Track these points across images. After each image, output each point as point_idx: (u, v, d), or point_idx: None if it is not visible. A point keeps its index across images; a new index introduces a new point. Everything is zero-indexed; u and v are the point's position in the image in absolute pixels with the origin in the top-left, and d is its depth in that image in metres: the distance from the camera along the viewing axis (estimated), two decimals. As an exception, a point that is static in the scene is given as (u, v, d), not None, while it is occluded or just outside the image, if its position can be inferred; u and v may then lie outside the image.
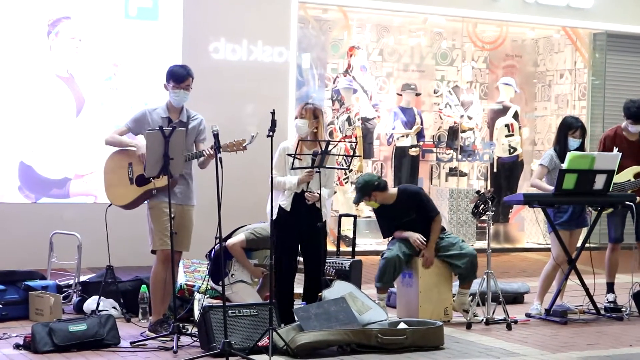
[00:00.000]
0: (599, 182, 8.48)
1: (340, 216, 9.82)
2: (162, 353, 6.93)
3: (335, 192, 10.44)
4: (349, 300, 7.35)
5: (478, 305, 8.22)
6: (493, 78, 15.07)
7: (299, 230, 7.66)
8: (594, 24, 14.00)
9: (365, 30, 14.03)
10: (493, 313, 8.26)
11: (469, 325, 8.12)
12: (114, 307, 8.25)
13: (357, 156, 12.43)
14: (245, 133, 7.59)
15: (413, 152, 13.35)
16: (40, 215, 10.48)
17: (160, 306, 7.49)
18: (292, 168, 7.54)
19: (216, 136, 6.94)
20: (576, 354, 7.22)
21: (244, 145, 7.34)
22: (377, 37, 14.27)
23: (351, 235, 9.70)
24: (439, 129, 14.36)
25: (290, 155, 7.54)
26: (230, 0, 11.41)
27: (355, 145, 12.10)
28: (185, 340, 7.20)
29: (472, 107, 14.08)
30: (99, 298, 8.17)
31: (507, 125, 13.93)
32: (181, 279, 8.35)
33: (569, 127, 8.77)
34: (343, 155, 8.67)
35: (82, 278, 8.80)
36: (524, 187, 13.64)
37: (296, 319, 7.17)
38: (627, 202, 8.64)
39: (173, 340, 6.96)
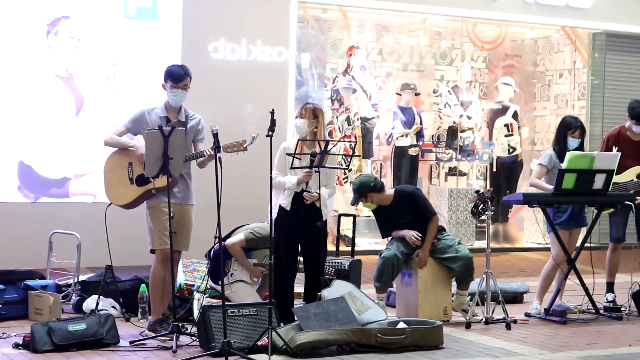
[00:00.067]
0: (599, 181, 8.48)
1: (340, 216, 9.82)
2: (162, 352, 6.93)
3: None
4: (348, 299, 7.35)
5: (477, 304, 8.22)
6: (492, 78, 15.07)
7: (299, 229, 7.67)
8: (594, 24, 14.00)
9: (364, 30, 14.03)
10: (492, 313, 8.26)
11: (468, 325, 8.13)
12: (113, 307, 8.25)
13: (357, 156, 12.43)
14: (244, 133, 7.61)
15: (412, 151, 13.35)
16: (40, 215, 10.48)
17: (159, 306, 7.49)
18: (292, 168, 7.54)
19: (215, 136, 6.94)
20: (575, 353, 7.22)
21: (244, 146, 7.34)
22: (376, 36, 14.27)
23: (350, 235, 9.70)
24: (438, 129, 14.35)
25: (289, 155, 7.54)
26: (230, 0, 11.41)
27: (355, 145, 12.10)
28: (184, 339, 7.20)
29: (471, 107, 14.07)
30: (98, 297, 8.17)
31: (506, 125, 13.93)
32: (180, 278, 8.35)
33: (568, 127, 8.77)
34: (342, 155, 8.66)
35: (82, 277, 8.80)
36: (524, 186, 13.64)
37: (295, 318, 7.17)
38: (626, 202, 8.64)
39: (172, 340, 6.96)
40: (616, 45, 14.26)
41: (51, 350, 6.85)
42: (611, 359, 7.14)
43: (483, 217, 8.54)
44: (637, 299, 8.85)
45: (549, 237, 8.86)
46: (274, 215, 7.69)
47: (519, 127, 14.09)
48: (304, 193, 7.61)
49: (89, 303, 8.25)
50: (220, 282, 7.17)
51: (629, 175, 8.99)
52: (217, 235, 6.95)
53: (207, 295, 8.23)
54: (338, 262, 8.81)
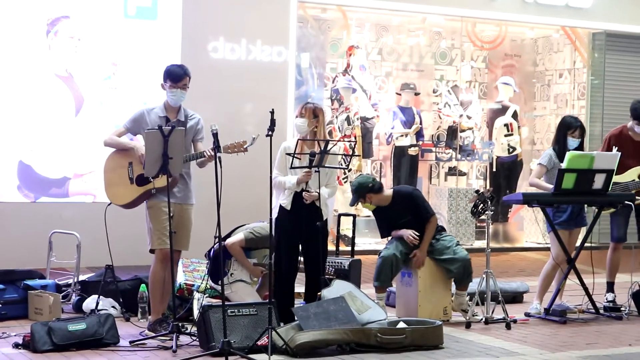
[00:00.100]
0: (598, 181, 8.49)
1: (340, 216, 9.82)
2: (162, 352, 6.93)
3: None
4: (348, 299, 7.35)
5: (477, 304, 8.22)
6: (492, 77, 15.06)
7: (299, 229, 7.67)
8: (593, 24, 14.00)
9: (364, 30, 14.03)
10: (492, 312, 8.26)
11: (468, 325, 8.13)
12: (113, 307, 8.25)
13: (356, 155, 12.43)
14: (244, 132, 7.62)
15: (412, 151, 13.35)
16: (40, 215, 10.48)
17: (159, 305, 7.49)
18: (291, 167, 7.54)
19: (215, 135, 6.94)
20: (575, 353, 7.22)
21: (245, 146, 7.35)
22: (376, 36, 14.27)
23: (350, 235, 9.70)
24: (438, 129, 14.35)
25: (289, 154, 7.55)
26: (229, 0, 11.42)
27: (355, 145, 12.09)
28: (184, 339, 7.19)
29: (471, 107, 14.07)
30: (98, 297, 8.16)
31: (506, 125, 13.93)
32: (180, 278, 8.35)
33: (568, 127, 8.77)
34: (342, 154, 8.67)
35: (82, 277, 8.80)
36: (523, 186, 13.64)
37: (295, 318, 7.17)
38: (626, 202, 8.64)
39: (172, 340, 6.96)
40: (616, 45, 14.26)
41: (51, 350, 6.85)
42: (611, 358, 7.14)
43: (483, 217, 8.54)
44: (637, 298, 8.85)
45: (548, 236, 8.87)
46: (275, 215, 7.71)
47: (519, 127, 14.09)
48: (303, 193, 7.61)
49: (89, 303, 8.25)
50: (220, 282, 7.16)
51: (630, 175, 8.99)
52: (217, 235, 6.96)
53: (207, 295, 8.23)
54: (338, 262, 8.80)
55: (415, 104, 13.79)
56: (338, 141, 8.68)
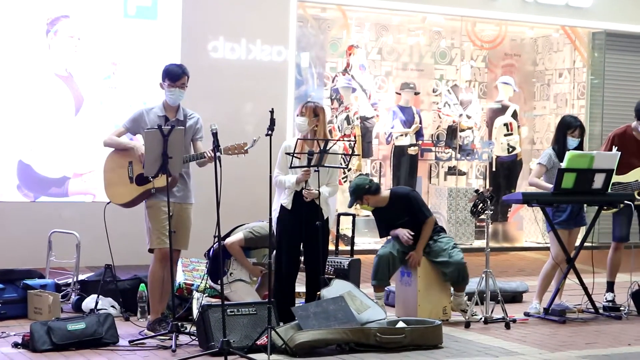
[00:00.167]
0: (598, 181, 8.49)
1: (339, 215, 9.82)
2: (161, 352, 6.93)
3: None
4: (347, 299, 7.35)
5: (477, 304, 8.22)
6: (492, 77, 15.06)
7: (300, 228, 7.67)
8: (593, 23, 14.01)
9: (364, 29, 14.03)
10: (492, 312, 8.26)
11: (467, 324, 8.13)
12: (112, 306, 8.25)
13: (356, 155, 12.43)
14: (244, 132, 7.62)
15: (412, 151, 13.35)
16: (39, 214, 10.48)
17: (158, 305, 7.49)
18: (291, 167, 7.55)
19: (215, 135, 6.94)
20: (575, 353, 7.21)
21: (245, 148, 7.36)
22: (376, 36, 14.27)
23: (350, 234, 9.70)
24: (437, 128, 14.35)
25: (288, 154, 7.55)
26: (229, -1, 11.44)
27: (354, 144, 12.09)
28: (183, 339, 7.19)
29: (471, 106, 14.07)
30: (98, 297, 8.16)
31: (506, 124, 13.93)
32: (180, 277, 8.35)
33: (568, 126, 8.77)
34: (342, 154, 8.67)
35: (81, 277, 8.79)
36: (523, 186, 13.64)
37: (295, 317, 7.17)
38: (626, 202, 8.64)
39: (172, 339, 6.96)
40: (616, 44, 14.26)
41: (50, 349, 6.85)
42: (610, 358, 7.14)
43: (482, 217, 8.54)
44: (637, 298, 8.85)
45: (548, 236, 8.86)
46: (277, 215, 7.72)
47: (519, 127, 14.10)
48: (303, 190, 7.62)
49: (88, 302, 8.25)
50: (219, 282, 7.17)
51: (634, 175, 8.99)
52: (217, 234, 6.96)
53: (206, 294, 8.22)
54: (337, 262, 8.80)
55: (415, 104, 13.79)
56: (337, 140, 8.67)
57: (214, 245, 7.95)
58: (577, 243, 8.95)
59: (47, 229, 9.16)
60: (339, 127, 12.88)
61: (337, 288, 7.52)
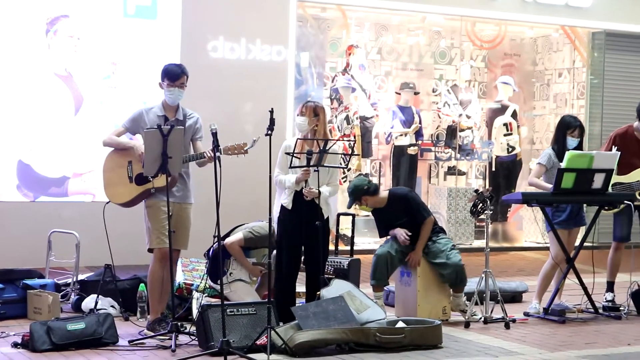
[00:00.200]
0: (598, 181, 8.49)
1: (339, 215, 9.81)
2: (161, 352, 6.92)
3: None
4: (347, 299, 7.35)
5: (476, 304, 8.22)
6: (492, 77, 15.07)
7: (300, 228, 7.66)
8: (593, 23, 14.01)
9: (363, 29, 14.03)
10: (491, 312, 8.26)
11: (467, 324, 8.13)
12: (112, 306, 8.25)
13: (356, 155, 12.43)
14: (243, 131, 7.62)
15: (411, 151, 13.35)
16: (39, 214, 10.48)
17: (158, 305, 7.49)
18: (290, 167, 7.55)
19: (214, 135, 6.94)
20: (574, 352, 7.21)
21: (245, 149, 7.36)
22: (375, 35, 14.27)
23: (350, 234, 9.69)
24: (437, 128, 14.36)
25: (287, 154, 7.55)
26: (229, -1, 11.44)
27: (354, 144, 12.09)
28: (183, 338, 7.19)
29: (470, 106, 14.07)
30: (97, 297, 8.16)
31: (505, 124, 13.93)
32: (180, 277, 8.35)
33: (568, 126, 8.77)
34: (341, 154, 8.67)
35: (81, 277, 8.79)
36: (523, 186, 13.64)
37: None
38: (625, 201, 8.64)
39: (171, 339, 6.96)
40: (615, 44, 14.27)
41: (50, 349, 6.85)
42: (610, 358, 7.14)
43: (482, 217, 8.53)
44: (636, 298, 8.85)
45: (547, 236, 8.86)
46: (278, 215, 7.72)
47: (518, 126, 14.10)
48: (303, 189, 7.62)
49: (88, 302, 8.25)
50: (219, 281, 7.16)
51: (636, 175, 8.98)
52: (216, 234, 6.96)
53: (206, 294, 8.22)
54: (337, 262, 8.80)
55: (415, 104, 13.79)
56: (337, 140, 8.67)
57: (214, 245, 7.95)
58: (577, 243, 8.95)
59: (46, 229, 9.16)
60: (338, 127, 12.87)
61: (336, 288, 7.52)
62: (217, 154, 6.93)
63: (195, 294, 8.07)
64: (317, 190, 7.55)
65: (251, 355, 6.62)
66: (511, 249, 13.73)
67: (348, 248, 9.50)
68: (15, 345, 6.98)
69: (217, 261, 7.65)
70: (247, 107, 11.41)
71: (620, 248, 9.14)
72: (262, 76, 11.53)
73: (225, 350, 6.55)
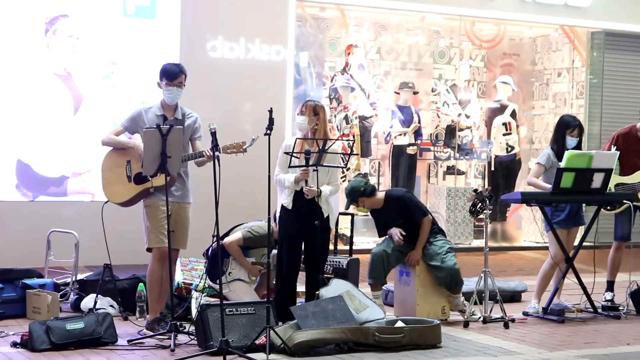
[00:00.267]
0: (597, 180, 8.48)
1: (338, 215, 9.81)
2: (160, 351, 6.92)
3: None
4: (346, 298, 7.35)
5: (475, 303, 8.22)
6: (491, 76, 15.07)
7: (300, 228, 7.66)
8: (592, 23, 14.01)
9: (363, 29, 14.03)
10: (490, 311, 8.26)
11: (466, 324, 8.13)
12: (111, 306, 8.24)
13: (355, 154, 12.43)
14: (242, 131, 7.61)
15: (410, 150, 13.35)
16: (38, 214, 10.48)
17: (157, 304, 7.49)
18: (290, 167, 7.55)
19: (213, 134, 6.94)
20: (574, 352, 7.21)
21: (244, 147, 7.36)
22: (374, 35, 14.27)
23: (349, 234, 9.70)
24: (436, 128, 14.35)
25: (287, 153, 7.55)
26: (228, -2, 11.43)
27: (353, 144, 12.09)
28: (182, 338, 7.19)
29: (469, 106, 14.07)
30: (97, 296, 8.16)
31: (504, 124, 13.94)
32: (179, 277, 8.35)
33: (567, 126, 8.76)
34: (341, 153, 8.68)
35: (80, 276, 8.79)
36: (522, 185, 13.64)
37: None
38: (625, 201, 8.65)
39: (170, 339, 6.96)
40: (615, 44, 14.27)
41: (49, 349, 6.84)
42: (609, 358, 7.14)
43: (481, 216, 8.53)
44: (635, 298, 8.85)
45: (547, 236, 8.86)
46: (279, 215, 7.71)
47: (517, 126, 14.10)
48: (304, 188, 7.62)
49: (87, 302, 8.25)
50: (218, 281, 7.16)
51: (639, 176, 8.98)
52: (215, 233, 6.95)
53: (205, 294, 8.22)
54: (336, 261, 8.80)
55: (414, 103, 13.79)
56: (336, 140, 8.67)
57: (213, 245, 7.95)
58: (576, 242, 8.95)
59: (45, 229, 9.16)
60: (337, 127, 12.87)
61: (335, 287, 7.52)
62: (216, 153, 6.94)
63: (194, 294, 8.07)
64: (317, 189, 7.54)
65: (250, 355, 6.62)
66: (510, 248, 13.73)
67: (347, 248, 9.50)
68: (14, 344, 6.98)
69: (216, 261, 7.65)
70: (246, 107, 11.40)
71: (621, 248, 9.14)
72: (261, 76, 11.53)
73: (224, 349, 6.54)
